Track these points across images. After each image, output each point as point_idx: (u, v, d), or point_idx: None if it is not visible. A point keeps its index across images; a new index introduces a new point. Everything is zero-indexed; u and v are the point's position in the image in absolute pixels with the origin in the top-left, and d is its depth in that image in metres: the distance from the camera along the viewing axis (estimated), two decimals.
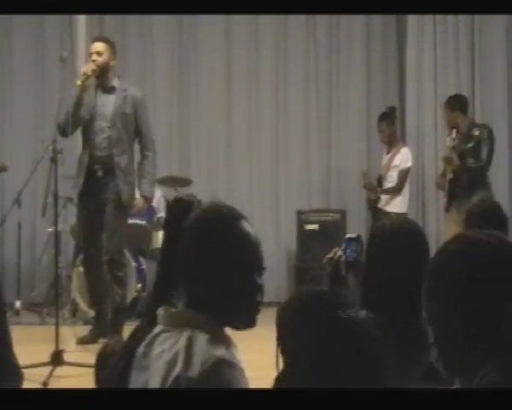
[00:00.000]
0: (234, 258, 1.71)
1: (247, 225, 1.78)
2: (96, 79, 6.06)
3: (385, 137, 7.86)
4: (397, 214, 7.23)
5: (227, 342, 1.67)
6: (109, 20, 8.93)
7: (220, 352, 1.58)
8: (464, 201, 6.86)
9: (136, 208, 6.35)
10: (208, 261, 1.70)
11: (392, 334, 2.22)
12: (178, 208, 1.90)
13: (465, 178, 6.91)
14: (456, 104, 7.23)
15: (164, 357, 1.57)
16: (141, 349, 1.67)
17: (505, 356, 1.37)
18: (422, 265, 2.31)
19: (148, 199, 6.38)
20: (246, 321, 1.76)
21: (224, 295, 1.70)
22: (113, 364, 1.82)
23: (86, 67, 5.98)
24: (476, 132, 6.99)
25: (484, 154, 6.93)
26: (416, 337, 2.24)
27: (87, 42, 9.00)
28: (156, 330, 1.67)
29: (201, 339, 1.59)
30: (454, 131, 7.11)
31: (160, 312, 1.69)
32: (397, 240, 2.38)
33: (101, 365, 2.98)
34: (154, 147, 6.28)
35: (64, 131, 5.84)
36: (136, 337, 1.76)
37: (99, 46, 6.16)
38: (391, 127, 7.89)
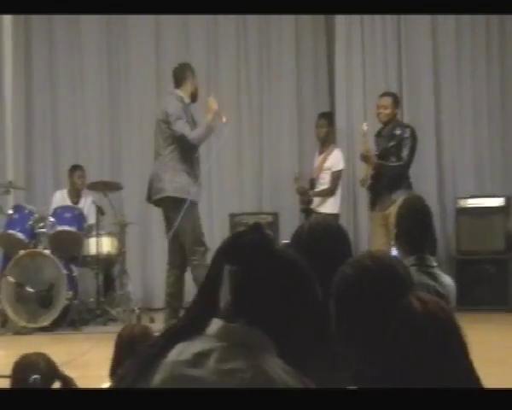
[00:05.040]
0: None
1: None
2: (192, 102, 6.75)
3: (322, 133, 7.89)
4: (329, 215, 7.30)
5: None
6: (35, 21, 8.82)
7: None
8: (386, 200, 6.98)
9: None
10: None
11: None
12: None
13: (386, 176, 7.00)
14: (398, 102, 7.33)
15: (238, 376, 1.47)
16: (184, 356, 1.53)
17: (381, 362, 1.58)
18: (339, 261, 2.32)
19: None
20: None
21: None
22: (131, 362, 1.65)
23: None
24: (398, 132, 7.09)
25: (405, 153, 7.03)
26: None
27: (14, 44, 8.87)
28: (207, 343, 1.54)
29: (284, 367, 1.52)
30: (365, 124, 7.24)
31: (216, 325, 1.57)
32: (313, 239, 2.37)
33: (120, 345, 2.90)
34: None
35: (194, 148, 6.55)
36: (169, 338, 1.61)
37: None
38: (330, 127, 7.96)
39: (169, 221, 6.55)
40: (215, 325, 1.57)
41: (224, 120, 6.72)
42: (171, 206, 6.46)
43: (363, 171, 7.33)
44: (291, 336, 1.56)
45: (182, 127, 6.43)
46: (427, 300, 1.60)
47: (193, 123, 6.67)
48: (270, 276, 1.57)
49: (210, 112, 6.60)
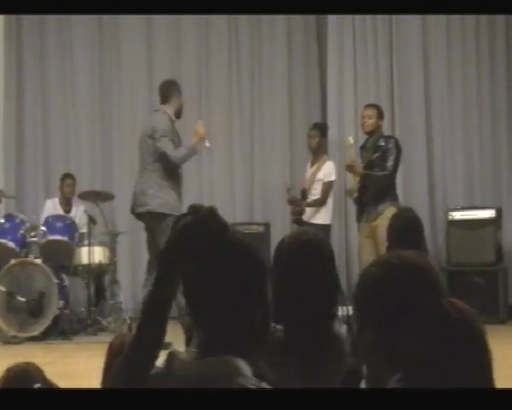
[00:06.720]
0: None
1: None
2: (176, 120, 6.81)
3: (314, 144, 7.89)
4: (321, 226, 7.31)
5: None
6: (26, 27, 8.84)
7: None
8: (372, 211, 7.01)
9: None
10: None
11: (300, 345, 2.24)
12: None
13: (372, 187, 7.03)
14: (382, 114, 7.37)
15: None
16: None
17: (408, 368, 1.55)
18: (323, 273, 2.32)
19: None
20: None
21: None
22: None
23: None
24: (382, 143, 7.14)
25: (389, 163, 7.06)
26: (326, 345, 2.25)
27: (5, 52, 8.87)
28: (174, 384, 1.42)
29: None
30: (351, 137, 7.32)
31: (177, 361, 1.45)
32: (292, 254, 2.37)
33: (112, 355, 2.88)
34: None
35: (177, 166, 6.61)
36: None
37: None
38: (322, 138, 7.97)
39: (151, 235, 6.58)
40: (175, 360, 1.47)
41: (208, 144, 6.84)
42: (154, 221, 6.49)
43: (351, 182, 7.38)
44: (242, 328, 1.47)
45: (165, 145, 6.52)
46: (462, 308, 1.59)
47: (178, 140, 6.74)
48: (222, 266, 1.46)
49: (196, 135, 6.72)
